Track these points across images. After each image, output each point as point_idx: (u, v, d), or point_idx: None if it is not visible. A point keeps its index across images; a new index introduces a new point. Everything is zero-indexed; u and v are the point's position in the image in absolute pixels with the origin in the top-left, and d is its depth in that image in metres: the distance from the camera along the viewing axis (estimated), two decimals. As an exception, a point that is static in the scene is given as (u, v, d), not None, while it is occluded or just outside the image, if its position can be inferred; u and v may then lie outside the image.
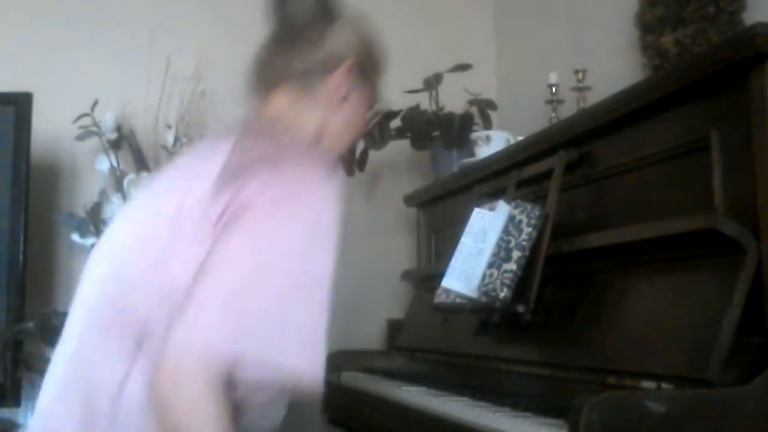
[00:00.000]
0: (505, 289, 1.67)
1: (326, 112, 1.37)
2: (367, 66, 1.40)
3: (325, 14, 1.39)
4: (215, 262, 1.11)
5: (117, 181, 2.46)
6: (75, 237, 2.43)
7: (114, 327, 1.19)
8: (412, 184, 2.77)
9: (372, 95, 1.42)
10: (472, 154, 2.41)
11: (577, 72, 2.26)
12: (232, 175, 1.17)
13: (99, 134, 2.48)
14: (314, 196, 1.16)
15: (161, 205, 1.23)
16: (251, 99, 1.43)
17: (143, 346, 1.15)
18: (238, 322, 1.08)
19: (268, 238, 1.12)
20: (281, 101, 1.37)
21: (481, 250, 1.81)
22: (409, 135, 2.65)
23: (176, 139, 2.52)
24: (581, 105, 2.22)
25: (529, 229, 1.70)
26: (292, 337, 1.11)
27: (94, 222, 2.39)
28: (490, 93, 2.88)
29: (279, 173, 1.17)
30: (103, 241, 1.32)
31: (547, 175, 1.78)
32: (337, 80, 1.36)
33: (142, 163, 2.52)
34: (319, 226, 1.15)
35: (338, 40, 1.38)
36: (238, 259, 1.11)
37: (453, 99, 2.64)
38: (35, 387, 1.80)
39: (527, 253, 1.68)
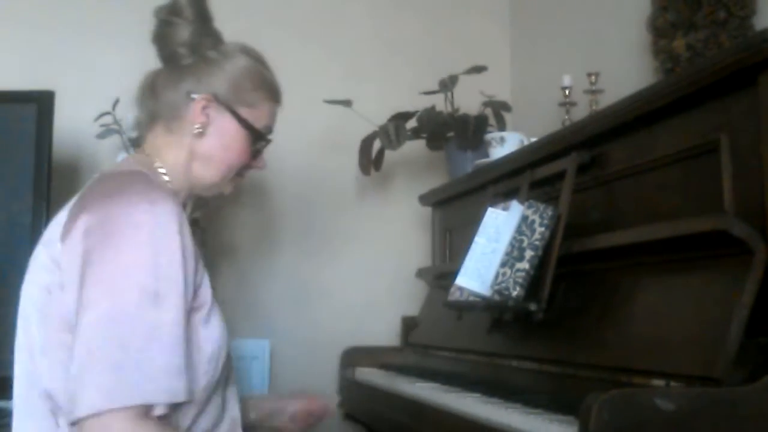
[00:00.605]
0: (518, 288, 1.68)
1: (188, 144, 1.38)
2: (232, 98, 1.39)
3: (201, 45, 1.39)
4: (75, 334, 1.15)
5: (137, 179, 2.48)
6: (96, 233, 2.45)
7: (31, 400, 1.23)
8: (427, 183, 2.77)
9: (244, 125, 1.40)
10: (487, 155, 2.41)
11: (590, 75, 2.26)
12: (67, 227, 1.22)
13: (120, 132, 2.49)
14: (142, 229, 1.18)
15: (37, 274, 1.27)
16: (140, 128, 1.44)
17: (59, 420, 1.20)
18: (115, 378, 1.11)
19: (112, 284, 1.15)
20: (156, 133, 1.40)
21: (495, 249, 1.82)
22: (424, 135, 2.65)
23: (195, 138, 2.54)
24: (594, 107, 2.22)
25: (542, 229, 1.71)
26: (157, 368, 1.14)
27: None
28: (504, 95, 2.89)
29: (106, 211, 1.20)
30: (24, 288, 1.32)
31: (560, 176, 1.79)
32: (194, 112, 1.36)
33: (162, 162, 2.54)
34: (156, 248, 1.17)
35: (204, 72, 1.38)
36: (91, 320, 1.14)
37: (468, 100, 2.64)
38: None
39: (540, 252, 1.69)
